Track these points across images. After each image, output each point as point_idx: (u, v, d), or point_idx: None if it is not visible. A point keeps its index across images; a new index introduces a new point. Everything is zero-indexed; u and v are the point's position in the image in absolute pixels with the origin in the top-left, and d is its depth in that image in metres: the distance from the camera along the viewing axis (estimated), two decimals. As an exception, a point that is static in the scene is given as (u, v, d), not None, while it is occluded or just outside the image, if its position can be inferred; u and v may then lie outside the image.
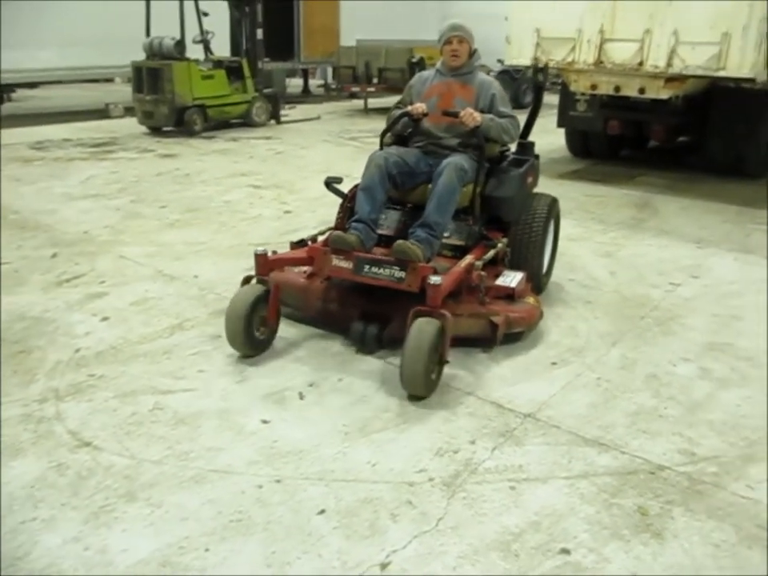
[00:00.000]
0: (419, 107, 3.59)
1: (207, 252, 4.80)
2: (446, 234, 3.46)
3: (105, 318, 3.67)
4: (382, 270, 3.11)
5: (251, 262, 3.36)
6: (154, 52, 9.77)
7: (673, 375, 3.19)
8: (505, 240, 3.66)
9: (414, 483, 2.38)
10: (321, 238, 3.61)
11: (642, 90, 6.65)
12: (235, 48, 10.91)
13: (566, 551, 2.09)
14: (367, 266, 3.15)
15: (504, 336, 3.31)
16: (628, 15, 6.44)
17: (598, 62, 6.72)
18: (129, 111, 11.33)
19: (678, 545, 2.13)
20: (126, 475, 2.38)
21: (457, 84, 3.73)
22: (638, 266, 4.69)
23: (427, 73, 3.93)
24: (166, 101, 9.60)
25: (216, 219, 5.65)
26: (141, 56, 9.91)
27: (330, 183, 3.72)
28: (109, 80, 15.59)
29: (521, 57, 7.29)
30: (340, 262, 3.21)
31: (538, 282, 3.90)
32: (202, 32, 10.04)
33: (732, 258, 4.93)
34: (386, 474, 2.42)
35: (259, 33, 10.73)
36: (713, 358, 3.37)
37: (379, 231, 3.48)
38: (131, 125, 10.49)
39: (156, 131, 10.09)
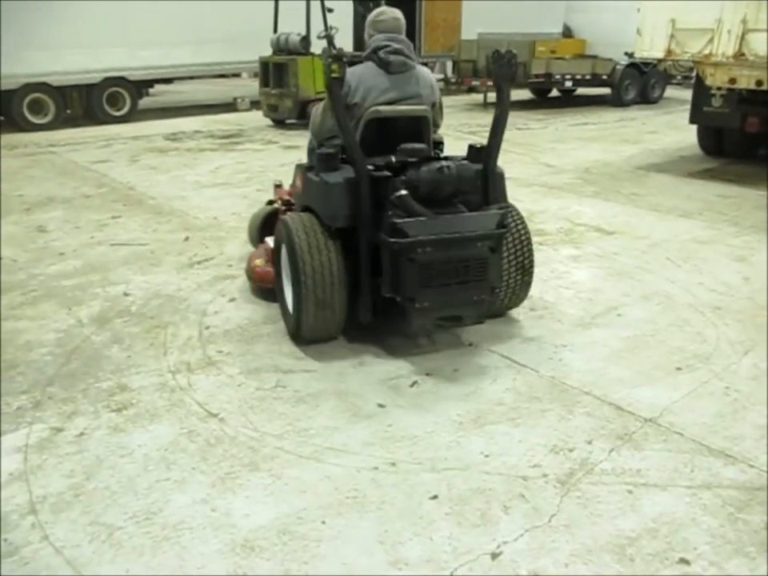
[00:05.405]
0: None
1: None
2: None
3: (232, 299, 3.87)
4: None
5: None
6: (281, 47, 10.14)
7: (811, 390, 2.97)
8: None
9: (527, 477, 2.36)
10: None
11: (787, 85, 6.19)
12: (358, 43, 11.10)
13: (685, 561, 2.01)
14: None
15: None
16: (775, 4, 6.01)
17: (739, 55, 6.31)
18: (254, 104, 11.83)
19: (810, 570, 1.99)
20: (250, 446, 2.52)
21: None
22: (775, 272, 4.39)
23: None
24: (291, 94, 9.94)
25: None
26: (268, 52, 10.31)
27: None
28: (236, 75, 16.33)
29: (653, 49, 7.00)
30: None
31: None
32: (327, 28, 10.28)
33: None
34: (498, 466, 2.42)
35: (382, 28, 10.86)
36: None
37: None
38: (257, 117, 10.96)
39: (280, 124, 10.48)
